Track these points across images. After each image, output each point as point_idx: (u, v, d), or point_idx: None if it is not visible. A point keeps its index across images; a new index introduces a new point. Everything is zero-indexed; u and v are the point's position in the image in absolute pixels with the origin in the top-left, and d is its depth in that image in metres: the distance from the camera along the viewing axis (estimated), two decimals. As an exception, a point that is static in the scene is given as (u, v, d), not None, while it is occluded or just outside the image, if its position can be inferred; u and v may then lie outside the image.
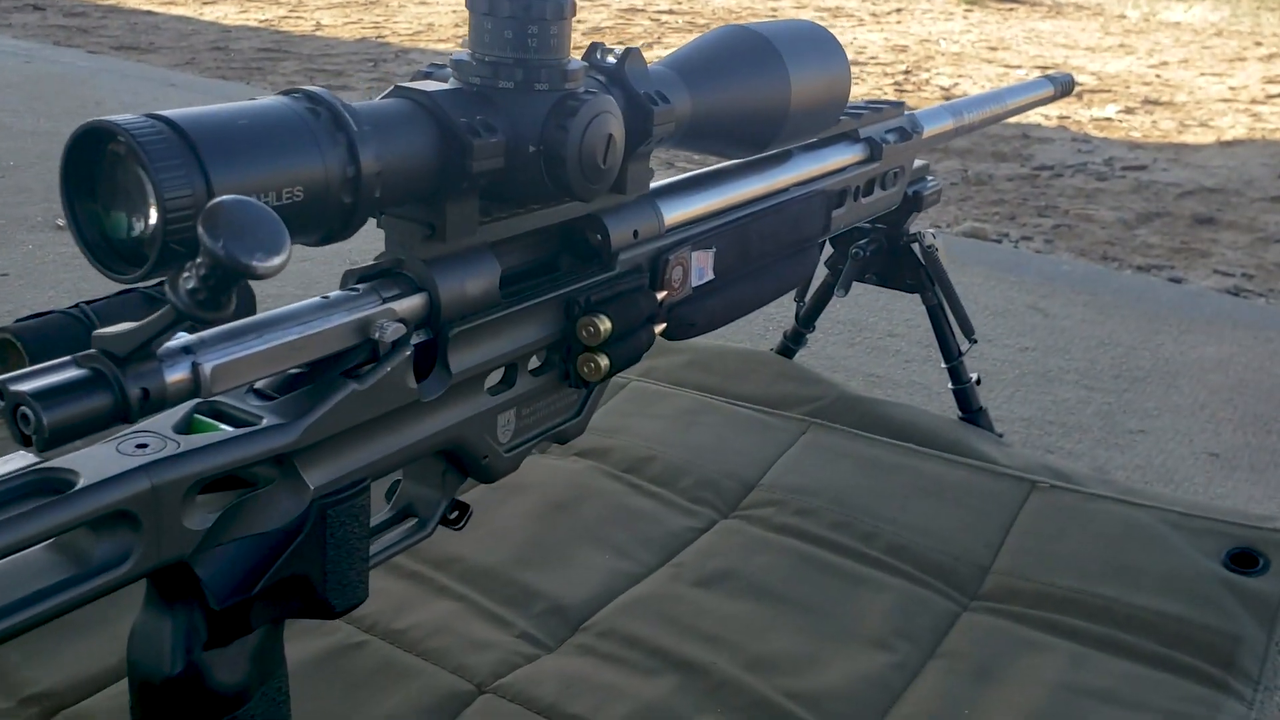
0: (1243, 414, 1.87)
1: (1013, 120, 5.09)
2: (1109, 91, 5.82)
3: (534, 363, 0.93)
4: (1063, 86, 2.04)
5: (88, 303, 0.69)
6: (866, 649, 1.12)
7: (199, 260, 0.51)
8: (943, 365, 1.66)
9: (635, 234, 0.99)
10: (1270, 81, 6.52)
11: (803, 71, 1.09)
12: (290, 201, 0.62)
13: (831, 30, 1.18)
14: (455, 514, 0.90)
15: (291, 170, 0.63)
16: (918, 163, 1.62)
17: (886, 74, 5.94)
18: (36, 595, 0.56)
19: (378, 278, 0.78)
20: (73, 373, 0.55)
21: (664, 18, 7.63)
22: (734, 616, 1.16)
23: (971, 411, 1.66)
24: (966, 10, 9.58)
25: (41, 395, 0.53)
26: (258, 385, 0.71)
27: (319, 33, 6.31)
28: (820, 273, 1.73)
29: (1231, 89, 6.18)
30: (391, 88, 0.77)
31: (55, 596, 0.57)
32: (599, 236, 0.95)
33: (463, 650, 1.08)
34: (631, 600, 1.20)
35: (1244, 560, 1.27)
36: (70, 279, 2.10)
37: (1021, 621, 1.19)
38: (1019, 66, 6.50)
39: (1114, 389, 1.93)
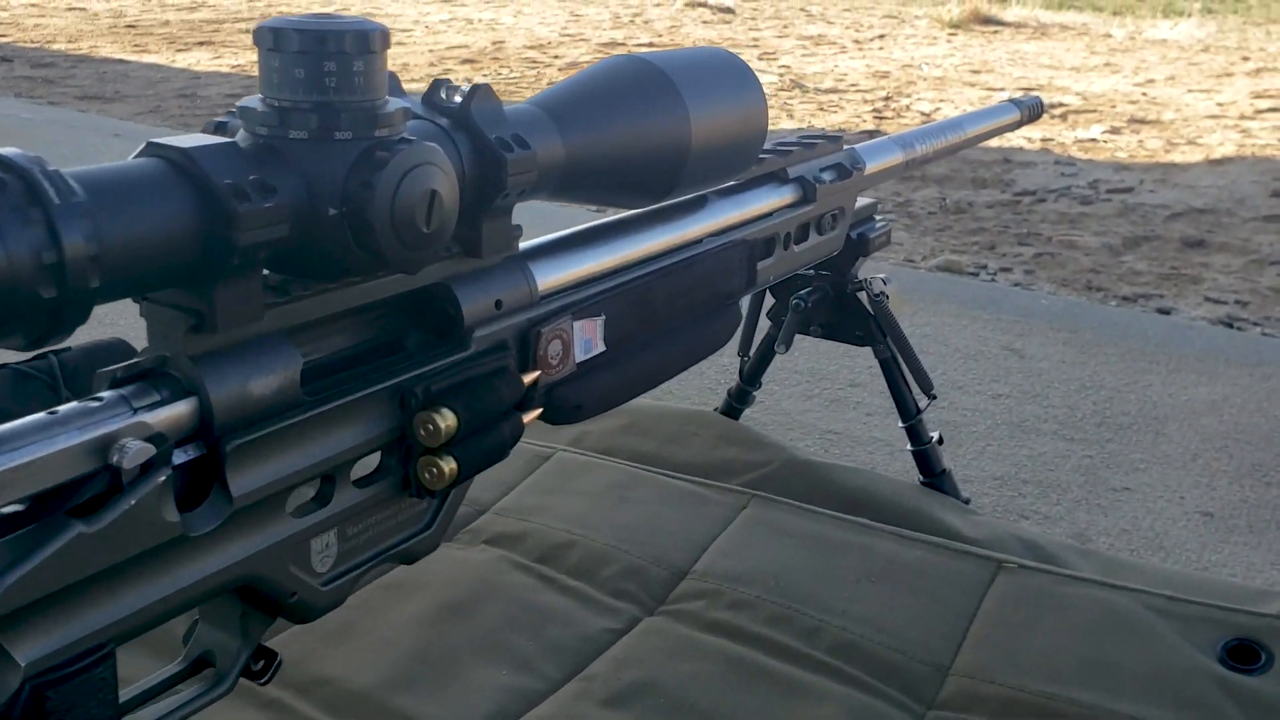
0: (1239, 464, 1.70)
1: (994, 143, 4.94)
2: (1094, 112, 5.68)
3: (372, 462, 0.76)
4: (1030, 110, 1.89)
5: None
6: (798, 783, 0.96)
7: None
8: (900, 425, 1.50)
9: (498, 304, 0.82)
10: (1259, 96, 6.38)
11: (706, 107, 0.93)
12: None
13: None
14: (260, 664, 0.74)
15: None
16: (863, 201, 1.46)
17: (866, 101, 5.80)
18: None
19: (137, 379, 0.62)
20: None
21: (644, 51, 7.51)
22: (645, 745, 0.99)
23: (934, 475, 1.50)
24: (950, 34, 9.47)
25: None
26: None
27: (287, 76, 6.17)
28: (764, 325, 1.57)
29: (1220, 105, 6.04)
30: (143, 144, 0.61)
31: None
32: (449, 309, 0.79)
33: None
34: (525, 728, 1.03)
35: (1243, 655, 1.09)
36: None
37: (985, 736, 1.02)
38: (1002, 89, 6.37)
39: (1096, 439, 1.77)
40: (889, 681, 1.10)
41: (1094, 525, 1.52)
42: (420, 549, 0.82)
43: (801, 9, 11.36)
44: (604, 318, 0.92)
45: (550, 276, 0.88)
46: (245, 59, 6.75)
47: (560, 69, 6.59)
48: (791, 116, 5.29)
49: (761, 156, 1.20)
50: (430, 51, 7.15)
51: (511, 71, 6.46)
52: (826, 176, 1.29)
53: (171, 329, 0.62)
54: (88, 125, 4.16)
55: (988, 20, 10.47)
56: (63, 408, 0.59)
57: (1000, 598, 1.21)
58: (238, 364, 0.63)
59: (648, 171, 0.91)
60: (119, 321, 0.71)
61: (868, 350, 2.06)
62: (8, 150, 0.53)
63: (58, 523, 0.56)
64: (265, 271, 0.64)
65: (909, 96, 5.98)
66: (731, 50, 1.02)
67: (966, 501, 1.49)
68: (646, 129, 0.89)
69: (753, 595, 1.21)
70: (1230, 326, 2.52)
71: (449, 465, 0.75)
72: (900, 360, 1.49)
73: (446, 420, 0.74)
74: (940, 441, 1.51)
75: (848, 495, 1.44)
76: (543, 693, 1.07)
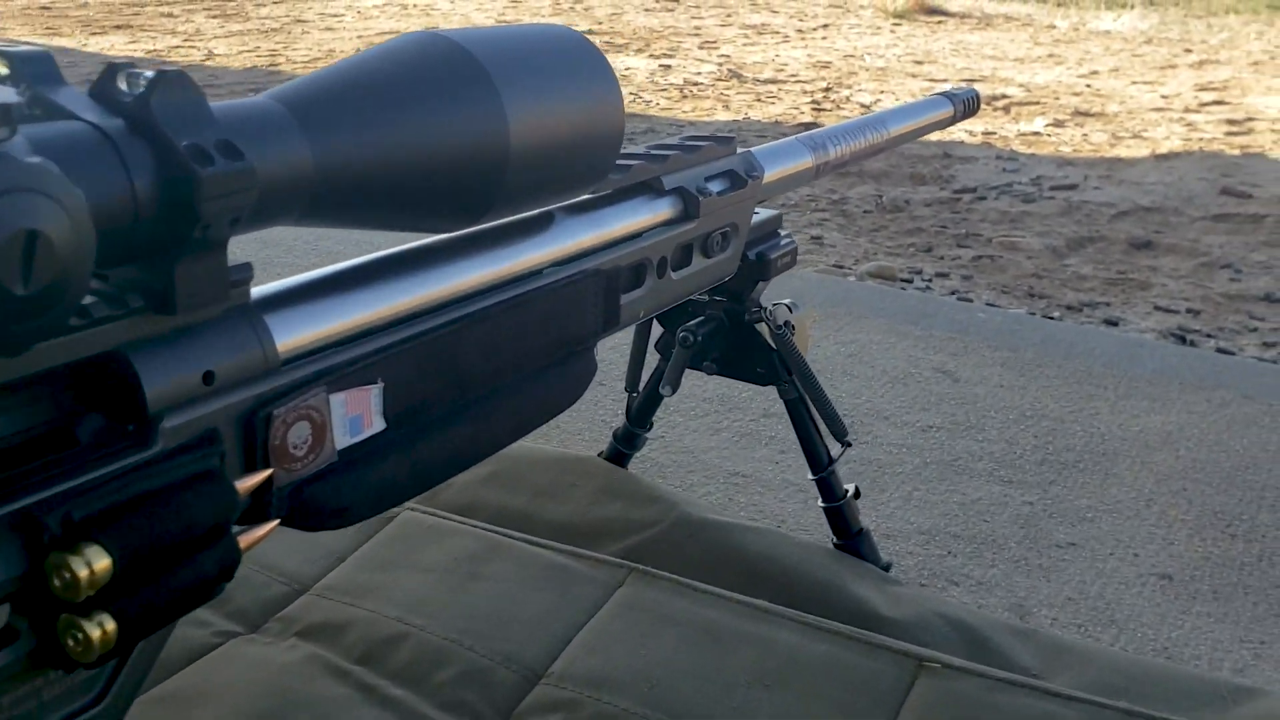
0: (1198, 511, 1.49)
1: (933, 137, 4.73)
2: (1037, 104, 5.48)
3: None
4: (965, 104, 1.65)
5: None
6: None
7: None
8: (810, 477, 1.26)
9: (208, 378, 0.56)
10: (1203, 89, 6.22)
11: (531, 99, 0.68)
12: None
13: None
14: None
15: None
16: (764, 214, 1.22)
17: (805, 92, 5.57)
18: None
19: None
20: None
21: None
22: None
23: (850, 536, 1.26)
24: (894, 24, 9.28)
25: None
26: None
27: (208, 62, 5.85)
28: (654, 358, 1.32)
29: (1164, 98, 5.87)
30: None
31: None
32: (126, 389, 0.53)
33: None
34: None
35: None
36: None
37: None
38: (944, 80, 6.16)
39: (1037, 481, 1.54)
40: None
41: (1035, 593, 1.29)
42: (95, 726, 0.56)
43: (746, -2, 11.12)
44: (382, 385, 0.66)
45: (297, 333, 0.62)
46: (164, 44, 6.40)
47: (492, 56, 6.30)
48: (728, 108, 5.05)
49: (629, 163, 0.95)
50: (359, 37, 6.84)
51: (440, 59, 6.16)
52: (714, 187, 1.04)
53: None
54: (-31, 113, 3.84)
55: (932, 10, 10.29)
56: None
57: (920, 709, 0.98)
58: None
59: (448, 186, 0.65)
60: None
61: None
62: None
63: None
64: None
65: (850, 88, 5.76)
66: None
67: (887, 567, 1.25)
68: (443, 129, 0.64)
69: (620, 707, 0.97)
70: (1183, 340, 2.32)
71: (101, 628, 0.49)
72: (809, 402, 1.25)
73: (95, 562, 0.48)
74: (857, 495, 1.27)
75: (748, 563, 1.20)
76: None
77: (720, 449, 1.60)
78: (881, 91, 5.67)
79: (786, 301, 1.29)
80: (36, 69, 0.49)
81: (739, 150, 1.12)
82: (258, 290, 0.61)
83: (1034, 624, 1.20)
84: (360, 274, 0.67)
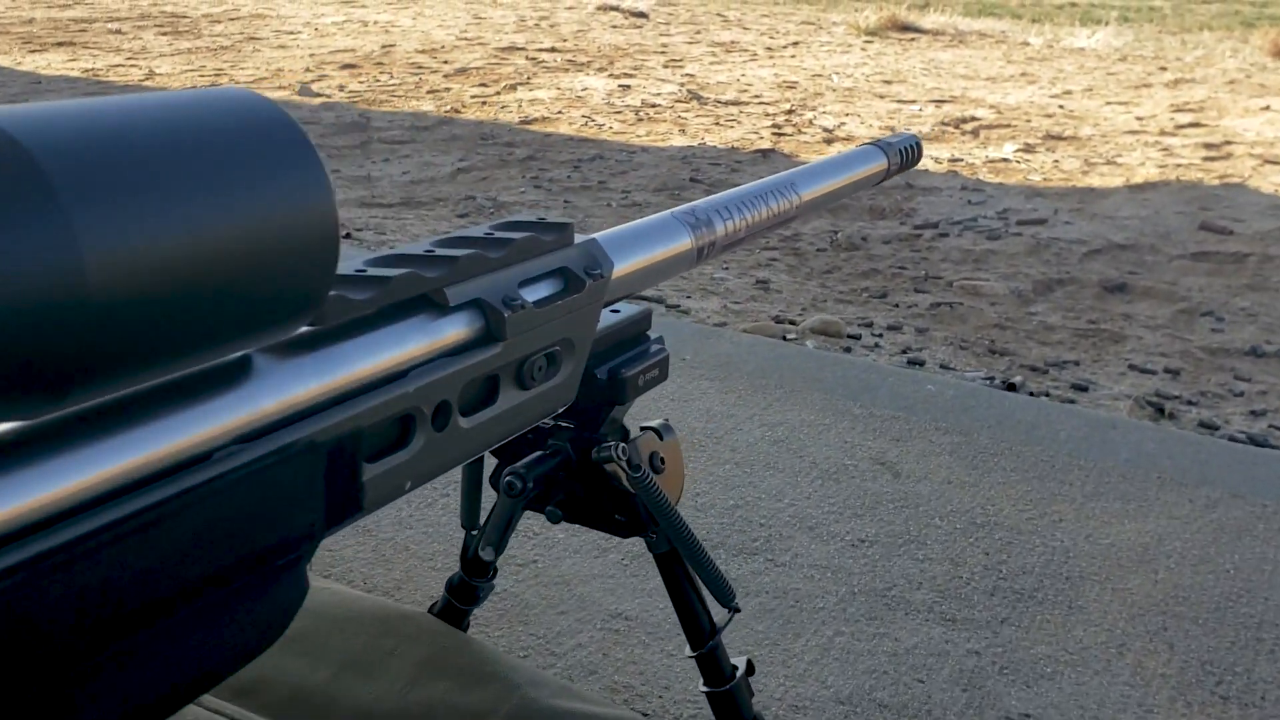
0: (1182, 660, 1.19)
1: (898, 166, 4.44)
2: (1008, 127, 5.21)
3: None
4: (903, 154, 1.34)
5: None
6: None
7: None
8: (689, 653, 0.96)
9: None
10: (1178, 110, 5.96)
11: (135, 214, 0.36)
12: None
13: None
14: None
15: None
16: (623, 313, 0.92)
17: (767, 115, 5.28)
18: None
19: None
20: None
21: (544, 56, 6.95)
22: None
23: (737, 732, 0.96)
24: (866, 41, 9.02)
25: None
26: None
27: (147, 82, 5.53)
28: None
29: (1139, 120, 5.60)
30: None
31: None
32: None
33: None
34: None
35: None
36: None
37: None
38: (913, 101, 5.89)
39: (987, 619, 1.25)
40: None
41: (975, 800, 0.99)
42: None
43: (719, 14, 10.87)
44: None
45: None
46: (105, 62, 6.08)
47: (447, 75, 6.01)
48: (684, 132, 4.76)
49: (389, 274, 0.64)
50: (311, 56, 6.53)
51: (392, 78, 5.86)
52: (532, 295, 0.73)
53: None
54: None
55: (905, 27, 10.03)
56: None
57: None
58: None
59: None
60: None
61: (700, 469, 1.53)
62: None
63: None
64: None
65: (814, 110, 5.47)
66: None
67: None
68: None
69: None
70: (1160, 411, 2.02)
71: None
72: (685, 560, 0.95)
73: None
74: (750, 671, 0.97)
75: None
76: None
77: (603, 578, 1.29)
78: (847, 114, 5.38)
79: (655, 425, 0.98)
80: None
81: (579, 238, 0.81)
82: None
83: None
84: None
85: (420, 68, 6.25)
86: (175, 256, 0.38)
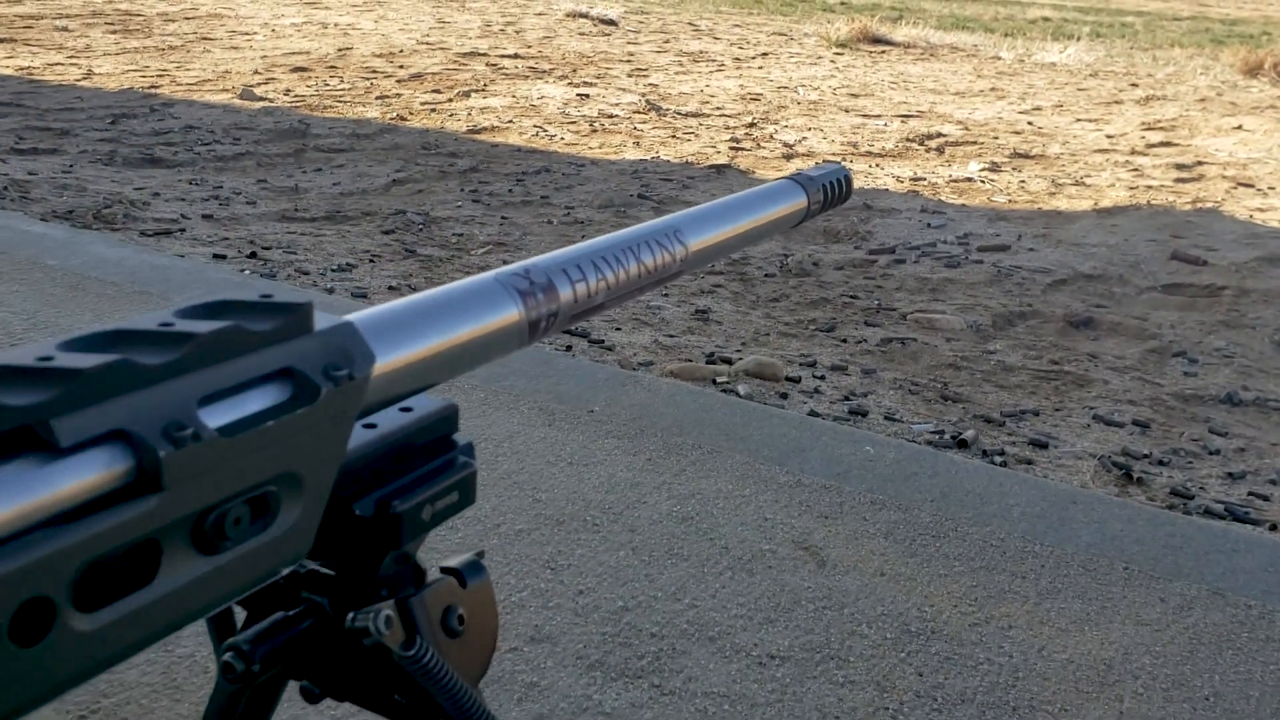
0: None
1: (856, 183, 4.22)
2: (975, 144, 4.98)
3: None
4: (828, 189, 1.07)
5: None
6: None
7: None
8: None
9: None
10: (1149, 128, 5.75)
11: None
12: None
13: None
14: None
15: None
16: (418, 411, 0.64)
17: (727, 128, 5.03)
18: None
19: None
20: None
21: (505, 63, 6.69)
22: None
23: None
24: (836, 53, 8.80)
25: None
26: None
27: (83, 82, 5.24)
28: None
29: (1109, 138, 5.38)
30: None
31: None
32: None
33: None
34: None
35: None
36: None
37: None
38: (879, 116, 5.65)
39: None
40: None
41: None
42: None
43: (690, 23, 10.64)
44: None
45: None
46: (44, 60, 5.77)
47: (400, 80, 5.74)
48: (639, 145, 4.50)
49: None
50: (263, 58, 6.24)
51: (342, 82, 5.58)
52: (221, 416, 0.45)
53: None
54: None
55: (877, 40, 9.82)
56: None
57: None
58: None
59: None
60: None
61: (588, 557, 1.28)
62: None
63: None
64: None
65: (776, 123, 5.23)
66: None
67: None
68: None
69: None
70: (1128, 476, 1.78)
71: None
72: None
73: None
74: None
75: None
76: None
77: None
78: (809, 128, 5.14)
79: (460, 563, 0.72)
80: None
81: (327, 320, 0.53)
82: None
83: None
84: None
85: (374, 72, 5.98)
86: None
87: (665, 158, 4.27)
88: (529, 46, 7.61)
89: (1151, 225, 3.53)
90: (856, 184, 3.95)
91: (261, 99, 4.98)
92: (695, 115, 5.31)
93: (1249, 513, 1.68)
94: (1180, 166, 4.70)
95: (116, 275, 2.17)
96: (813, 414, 1.91)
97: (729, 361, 2.19)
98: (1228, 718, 1.10)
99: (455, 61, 6.60)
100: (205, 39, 6.90)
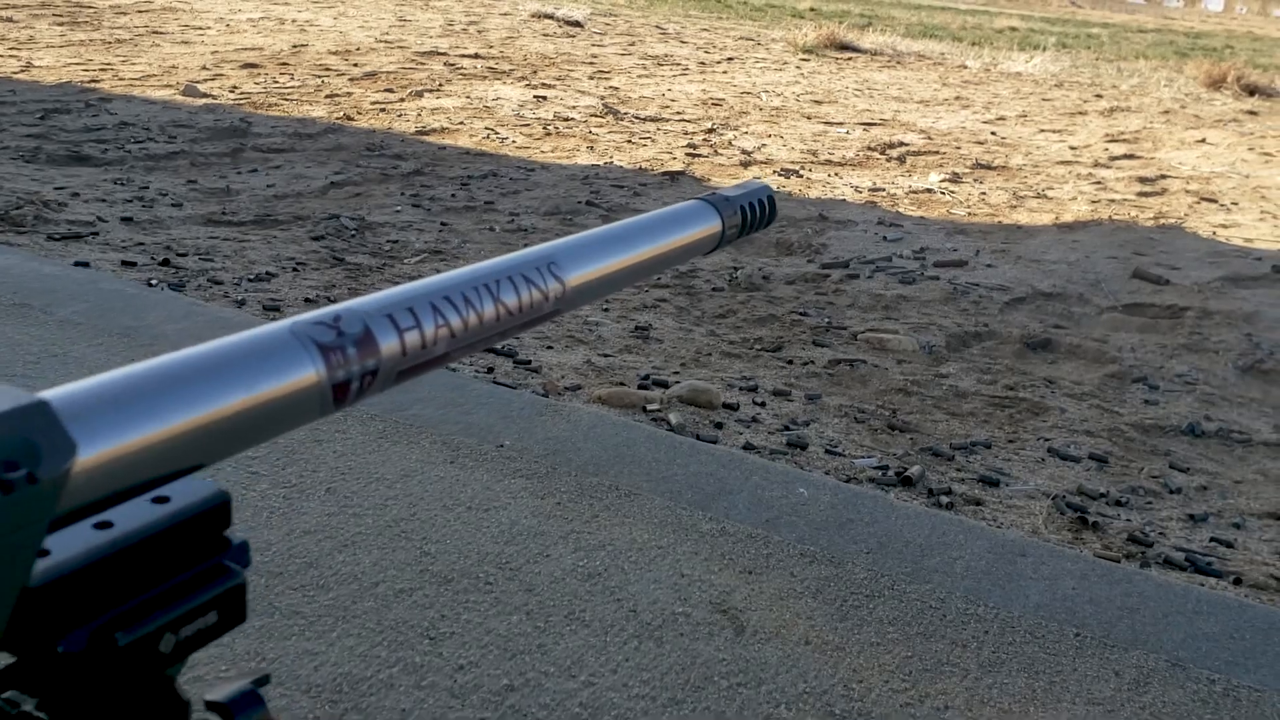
0: None
1: (812, 193, 4.07)
2: (936, 154, 4.85)
3: None
4: (747, 211, 0.91)
5: None
6: None
7: None
8: None
9: None
10: (1113, 140, 5.65)
11: None
12: None
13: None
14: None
15: None
16: (137, 519, 0.47)
17: (685, 133, 4.88)
18: None
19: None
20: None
21: (464, 63, 6.51)
22: None
23: None
24: (802, 59, 8.67)
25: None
26: None
27: (20, 74, 5.02)
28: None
29: (1073, 149, 5.27)
30: None
31: None
32: None
33: None
34: None
35: None
36: None
37: None
38: (841, 123, 5.52)
39: None
40: None
41: None
42: None
43: (657, 26, 10.49)
44: None
45: None
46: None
47: (353, 78, 5.55)
48: (593, 149, 4.34)
49: None
50: (214, 53, 6.03)
51: (292, 80, 5.39)
52: None
53: None
54: None
55: (844, 46, 9.70)
56: None
57: None
58: None
59: None
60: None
61: (472, 624, 1.13)
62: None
63: None
64: None
65: (736, 129, 5.08)
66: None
67: None
68: None
69: None
70: (1083, 520, 1.63)
71: None
72: None
73: None
74: None
75: None
76: None
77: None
78: (769, 135, 5.00)
79: (226, 695, 0.55)
80: None
81: (18, 397, 0.36)
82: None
83: None
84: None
85: (327, 69, 5.79)
86: None
87: (619, 163, 4.11)
88: (490, 47, 7.44)
89: (1113, 241, 3.40)
90: (814, 194, 3.81)
91: (205, 95, 4.79)
92: (654, 120, 5.16)
93: (1211, 563, 1.54)
94: (1143, 180, 4.59)
95: None
96: (748, 447, 1.76)
97: (665, 385, 2.03)
98: (1188, 823, 0.95)
99: (412, 60, 6.42)
100: (156, 33, 6.68)
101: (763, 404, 2.00)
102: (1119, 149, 5.37)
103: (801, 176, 4.13)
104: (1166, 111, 7.01)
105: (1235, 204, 4.17)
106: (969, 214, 3.70)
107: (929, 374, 2.28)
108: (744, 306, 2.64)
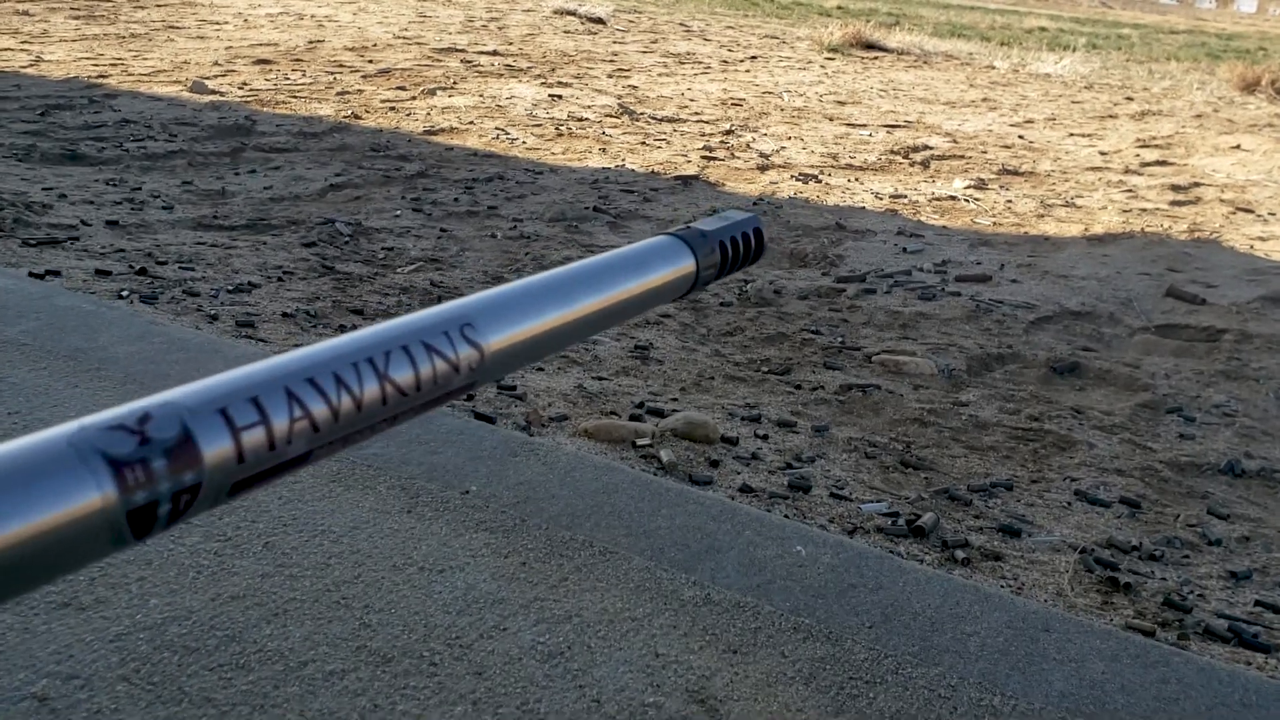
0: None
1: (829, 199, 3.89)
2: (962, 158, 4.66)
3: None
4: (728, 247, 0.77)
5: None
6: None
7: None
8: None
9: None
10: (1144, 145, 5.43)
11: None
12: None
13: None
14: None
15: None
16: None
17: (703, 135, 4.71)
18: None
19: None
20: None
21: (481, 60, 6.36)
22: None
23: None
24: (827, 58, 8.48)
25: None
26: None
27: (28, 69, 4.91)
28: None
29: (1103, 155, 5.06)
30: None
31: None
32: None
33: None
34: None
35: None
36: None
37: None
38: (864, 125, 5.33)
39: None
40: None
41: None
42: None
43: (681, 24, 10.32)
44: None
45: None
46: None
47: (366, 75, 5.41)
48: (605, 151, 4.18)
49: None
50: (228, 49, 5.91)
51: (304, 76, 5.26)
52: None
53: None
54: None
55: (870, 45, 9.50)
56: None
57: None
58: None
59: None
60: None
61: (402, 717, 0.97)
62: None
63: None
64: None
65: (755, 131, 4.90)
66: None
67: None
68: None
69: None
70: (1114, 582, 1.44)
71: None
72: None
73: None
74: None
75: None
76: None
77: None
78: (790, 137, 4.82)
79: None
80: None
81: None
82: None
83: None
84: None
85: (341, 66, 5.65)
86: None
87: (631, 166, 3.95)
88: (509, 44, 7.28)
89: (1146, 256, 3.21)
90: (832, 200, 3.63)
91: (212, 92, 4.66)
92: (671, 120, 4.99)
93: (1258, 635, 1.36)
94: (1176, 188, 4.38)
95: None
96: (745, 489, 1.59)
97: (660, 414, 1.87)
98: None
99: (429, 57, 6.28)
100: (172, 28, 6.57)
101: (765, 437, 1.83)
102: (1151, 155, 5.16)
103: (820, 181, 3.95)
104: (1199, 115, 6.78)
105: (1273, 214, 3.96)
106: (994, 223, 3.52)
107: (947, 401, 2.10)
108: (752, 324, 2.47)
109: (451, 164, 3.76)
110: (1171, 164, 4.96)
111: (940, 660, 1.13)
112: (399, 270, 2.63)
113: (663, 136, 4.57)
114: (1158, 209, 3.95)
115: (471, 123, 4.46)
